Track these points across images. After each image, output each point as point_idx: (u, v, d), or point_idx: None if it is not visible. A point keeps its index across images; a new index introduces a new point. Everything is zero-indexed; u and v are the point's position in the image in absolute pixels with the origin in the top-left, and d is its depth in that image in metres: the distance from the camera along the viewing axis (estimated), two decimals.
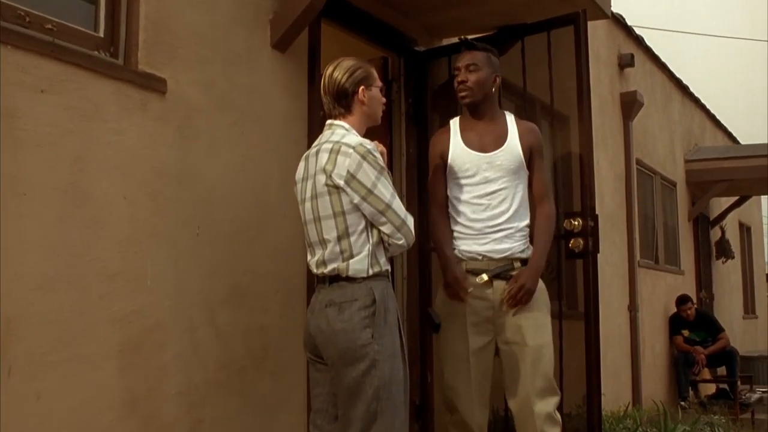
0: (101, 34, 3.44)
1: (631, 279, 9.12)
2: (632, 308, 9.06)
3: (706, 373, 10.61)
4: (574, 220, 4.41)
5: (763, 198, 17.67)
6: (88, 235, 3.18)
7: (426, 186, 5.34)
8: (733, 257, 13.59)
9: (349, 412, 3.11)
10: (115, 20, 3.48)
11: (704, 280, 12.55)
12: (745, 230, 16.00)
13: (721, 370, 11.03)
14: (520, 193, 3.93)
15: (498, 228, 3.87)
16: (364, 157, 3.15)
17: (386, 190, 3.18)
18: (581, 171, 4.65)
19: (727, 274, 14.18)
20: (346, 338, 3.10)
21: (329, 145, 3.23)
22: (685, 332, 10.43)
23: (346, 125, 3.30)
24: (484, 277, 3.83)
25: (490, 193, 3.89)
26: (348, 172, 3.14)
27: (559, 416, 3.82)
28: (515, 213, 3.89)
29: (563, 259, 4.72)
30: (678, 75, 11.58)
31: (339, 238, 3.18)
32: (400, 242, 3.22)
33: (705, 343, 10.42)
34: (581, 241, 4.46)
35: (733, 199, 13.24)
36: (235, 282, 3.85)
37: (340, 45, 4.76)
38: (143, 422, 3.35)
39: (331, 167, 3.17)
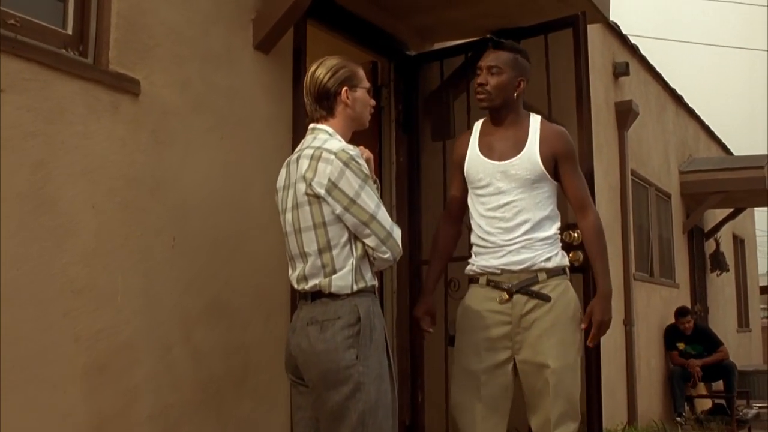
0: (69, 31, 3.23)
1: (627, 292, 8.91)
2: (627, 322, 8.84)
3: (702, 388, 10.41)
4: (574, 232, 4.16)
5: (757, 210, 17.49)
6: (51, 247, 2.96)
7: (416, 197, 5.23)
8: (727, 270, 13.41)
9: None
10: (85, 17, 3.27)
11: (699, 293, 12.37)
12: (738, 242, 15.83)
13: (717, 385, 10.83)
14: (542, 204, 3.65)
15: (514, 241, 3.61)
16: (346, 164, 2.93)
17: (370, 200, 2.96)
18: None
19: (722, 287, 14.00)
20: (328, 359, 2.89)
21: (310, 151, 3.02)
22: (681, 345, 10.21)
23: (329, 129, 3.08)
24: (504, 296, 3.59)
25: (503, 205, 3.63)
26: (329, 180, 2.93)
27: None
28: (536, 225, 3.62)
29: None
30: (674, 85, 11.41)
31: (320, 252, 2.96)
32: (386, 256, 3.00)
33: (701, 357, 10.18)
34: (581, 254, 4.23)
35: (727, 211, 13.09)
36: (213, 297, 3.64)
37: (327, 48, 4.54)
38: None
39: (311, 175, 2.96)
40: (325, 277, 2.95)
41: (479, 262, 3.68)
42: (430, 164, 5.20)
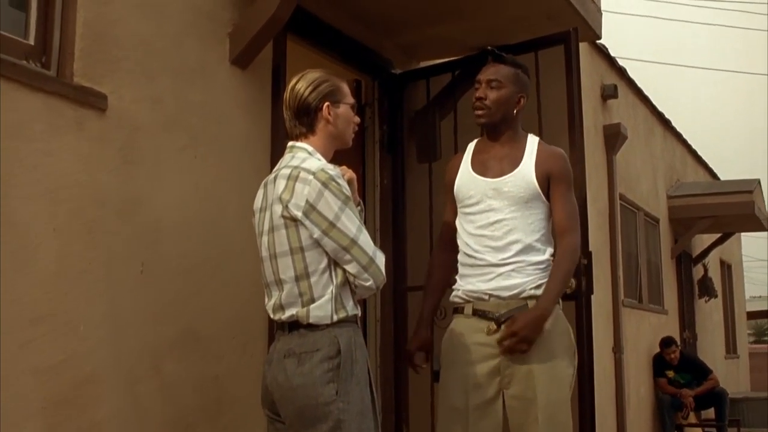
0: (31, 41, 3.05)
1: (616, 319, 8.72)
2: (617, 350, 8.66)
3: (693, 417, 10.23)
4: None
5: (743, 235, 17.39)
6: (8, 272, 2.75)
7: (401, 221, 5.04)
8: (716, 296, 13.28)
9: None
10: (48, 26, 3.08)
11: (687, 319, 12.23)
12: (726, 268, 15.72)
13: (708, 413, 10.67)
14: (535, 226, 3.44)
15: (505, 262, 3.39)
16: (325, 185, 2.73)
17: (351, 223, 2.76)
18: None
19: (710, 313, 13.86)
20: (306, 394, 2.68)
21: (287, 171, 2.82)
22: (670, 373, 10.07)
23: (309, 147, 2.89)
24: (492, 326, 3.35)
25: (494, 223, 3.43)
26: (307, 201, 2.73)
27: None
28: (527, 247, 3.41)
29: None
30: (669, 109, 11.33)
31: (297, 279, 2.76)
32: (368, 284, 2.79)
33: (690, 386, 10.05)
34: (573, 281, 4.03)
35: (715, 236, 12.97)
36: (185, 326, 3.43)
37: (308, 64, 4.29)
38: None
39: (288, 196, 2.75)
40: (303, 306, 2.75)
41: (465, 286, 3.46)
42: (416, 187, 5.03)
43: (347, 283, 2.79)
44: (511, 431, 3.33)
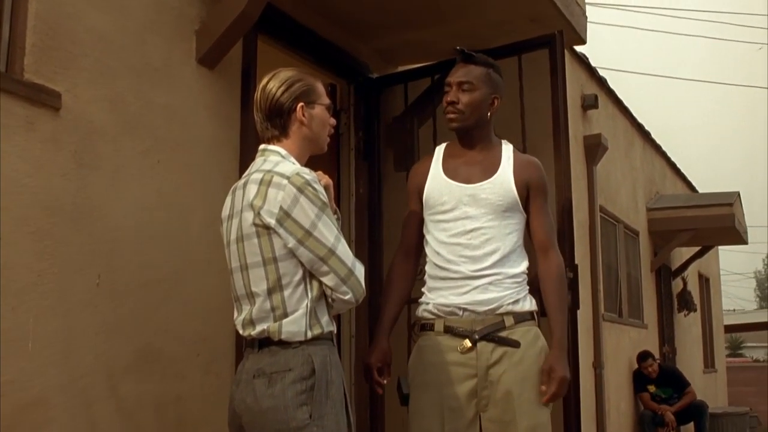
0: None
1: (596, 334, 8.56)
2: (597, 365, 8.49)
3: None
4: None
5: (720, 249, 17.32)
6: None
7: (377, 231, 4.83)
8: (695, 310, 13.19)
9: None
10: None
11: (667, 333, 12.12)
12: (704, 281, 15.63)
13: (687, 428, 10.59)
14: (513, 236, 3.24)
15: (480, 274, 3.18)
16: (301, 190, 2.53)
17: (329, 232, 2.56)
18: (559, 215, 4.04)
19: (688, 327, 13.77)
20: (277, 418, 2.48)
21: (259, 175, 2.61)
22: (651, 388, 10.01)
23: (282, 151, 2.68)
24: (467, 344, 3.14)
25: (470, 231, 3.21)
26: (281, 208, 2.52)
27: None
28: (505, 258, 3.20)
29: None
30: (659, 121, 11.23)
31: (269, 292, 2.55)
32: (346, 297, 2.59)
33: (672, 400, 10.01)
34: None
35: (694, 250, 12.88)
36: (144, 343, 3.21)
37: (280, 66, 4.14)
38: None
39: (260, 202, 2.54)
40: (275, 321, 2.54)
41: (436, 299, 3.22)
42: (393, 196, 4.83)
43: (323, 296, 2.60)
44: None
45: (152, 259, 3.27)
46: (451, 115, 3.29)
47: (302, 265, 2.55)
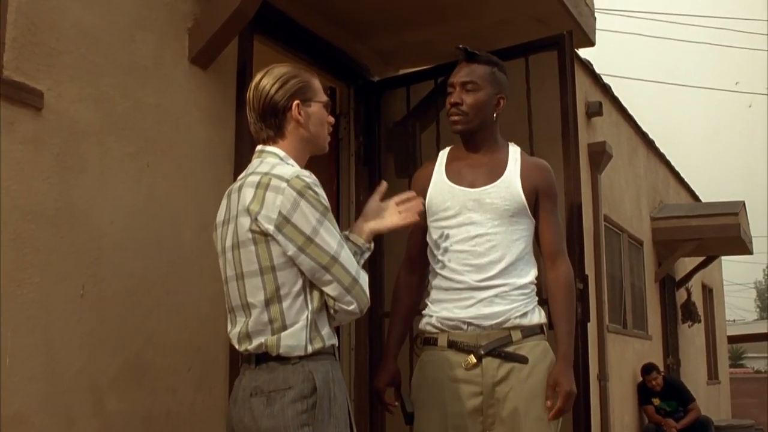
0: None
1: (600, 345, 8.39)
2: (602, 377, 8.32)
3: None
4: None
5: (724, 259, 17.18)
6: None
7: (378, 240, 4.66)
8: (699, 321, 13.05)
9: None
10: None
11: (671, 345, 11.97)
12: (707, 292, 15.48)
13: None
14: (520, 243, 3.08)
15: (486, 284, 3.01)
16: (301, 194, 2.38)
17: (331, 238, 2.40)
18: (568, 222, 3.88)
19: (692, 338, 13.63)
20: None
21: (255, 178, 2.45)
22: (656, 401, 9.87)
23: (280, 152, 2.53)
24: (472, 360, 2.97)
25: (475, 237, 3.05)
26: (280, 213, 2.37)
27: None
28: (511, 266, 3.04)
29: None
30: (659, 128, 11.11)
31: (267, 303, 2.39)
32: (351, 308, 2.43)
33: (677, 413, 9.86)
34: None
35: (697, 260, 12.73)
36: (132, 356, 3.04)
37: None
38: None
39: (257, 207, 2.39)
40: (273, 334, 2.39)
41: (439, 312, 3.06)
42: None
43: (324, 308, 2.44)
44: None
45: (141, 268, 3.11)
46: (455, 118, 3.12)
47: (302, 274, 2.40)
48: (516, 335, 2.98)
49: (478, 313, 2.99)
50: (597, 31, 4.86)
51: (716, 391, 15.61)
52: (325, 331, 2.44)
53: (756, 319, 46.78)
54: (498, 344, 2.96)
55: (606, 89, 9.61)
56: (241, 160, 3.47)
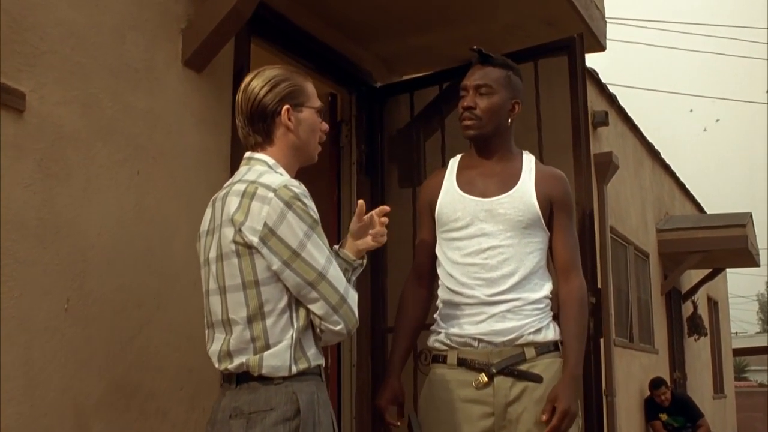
0: None
1: (607, 360, 8.20)
2: (609, 393, 8.13)
3: None
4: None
5: (728, 271, 17.04)
6: None
7: (380, 253, 4.51)
8: (706, 334, 12.91)
9: None
10: None
11: (677, 359, 11.82)
12: (713, 304, 15.34)
13: None
14: (534, 256, 2.93)
15: (498, 299, 2.86)
16: (289, 205, 2.24)
17: (319, 253, 2.26)
18: (579, 234, 3.70)
19: (698, 352, 13.49)
20: None
21: (241, 186, 2.33)
22: (663, 416, 9.76)
23: (270, 160, 2.40)
24: (483, 378, 2.82)
25: (486, 249, 2.89)
26: (265, 224, 2.23)
27: None
28: (525, 281, 2.88)
29: None
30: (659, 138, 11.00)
31: (250, 320, 2.26)
32: (337, 328, 2.29)
33: (684, 429, 9.75)
34: None
35: (703, 272, 12.62)
36: (119, 376, 2.87)
37: None
38: None
39: (241, 217, 2.26)
40: (255, 353, 2.25)
41: (449, 329, 2.91)
42: (397, 215, 4.45)
43: (311, 326, 2.30)
44: None
45: (129, 282, 2.94)
46: (468, 122, 2.97)
47: (288, 290, 2.26)
48: (530, 352, 2.83)
49: (490, 329, 2.84)
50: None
51: (722, 405, 15.48)
52: (311, 351, 2.30)
53: (758, 332, 46.74)
54: (511, 362, 2.82)
55: (611, 99, 9.50)
56: (237, 169, 3.30)
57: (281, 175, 2.34)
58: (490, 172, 2.98)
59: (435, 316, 2.99)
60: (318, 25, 4.23)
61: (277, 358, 2.23)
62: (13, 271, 2.51)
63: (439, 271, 2.99)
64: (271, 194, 2.24)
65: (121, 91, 2.96)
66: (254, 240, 2.23)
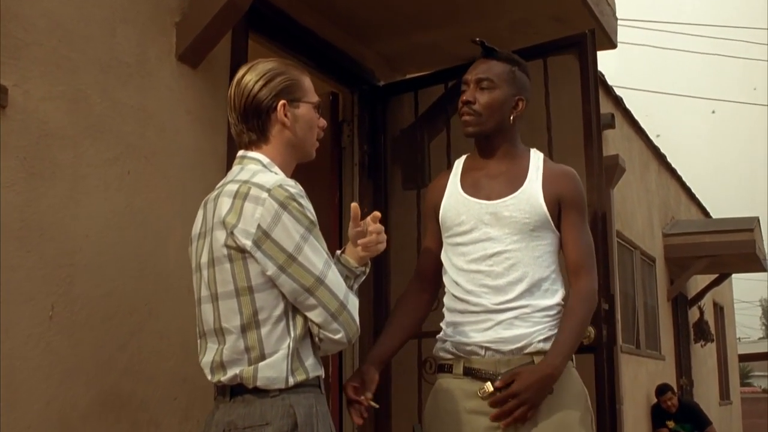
0: None
1: (615, 366, 8.08)
2: (616, 400, 7.98)
3: None
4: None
5: (734, 276, 16.92)
6: None
7: (384, 257, 4.38)
8: (712, 340, 12.81)
9: None
10: None
11: (684, 365, 11.70)
12: (718, 310, 15.22)
13: None
14: (543, 261, 2.77)
15: (505, 307, 2.70)
16: (284, 206, 2.12)
17: (317, 257, 2.13)
18: (593, 238, 3.57)
19: (704, 358, 13.39)
20: None
21: (234, 187, 2.20)
22: (670, 424, 9.69)
23: (264, 158, 2.27)
24: (489, 388, 2.66)
25: (492, 255, 2.74)
26: (259, 227, 2.10)
27: None
28: (534, 287, 2.72)
29: None
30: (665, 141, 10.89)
31: (243, 329, 2.13)
32: (337, 336, 2.16)
33: None
34: (592, 330, 3.38)
35: (709, 277, 12.49)
36: (109, 386, 2.73)
37: None
38: None
39: (233, 219, 2.13)
40: (250, 364, 2.12)
41: (455, 337, 2.76)
42: (401, 217, 4.43)
43: (309, 335, 2.17)
44: None
45: (119, 287, 2.81)
46: (467, 117, 2.81)
47: (284, 296, 2.14)
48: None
49: (497, 336, 2.68)
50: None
51: (728, 411, 15.38)
52: (310, 361, 2.18)
53: (761, 337, 46.61)
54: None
55: (618, 101, 9.41)
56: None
57: (276, 174, 2.22)
58: (495, 173, 2.83)
59: (441, 324, 2.84)
60: (319, 21, 4.11)
61: (272, 369, 2.10)
62: None
63: (445, 279, 2.85)
64: (264, 194, 2.12)
65: (111, 86, 2.83)
66: (247, 243, 2.10)
